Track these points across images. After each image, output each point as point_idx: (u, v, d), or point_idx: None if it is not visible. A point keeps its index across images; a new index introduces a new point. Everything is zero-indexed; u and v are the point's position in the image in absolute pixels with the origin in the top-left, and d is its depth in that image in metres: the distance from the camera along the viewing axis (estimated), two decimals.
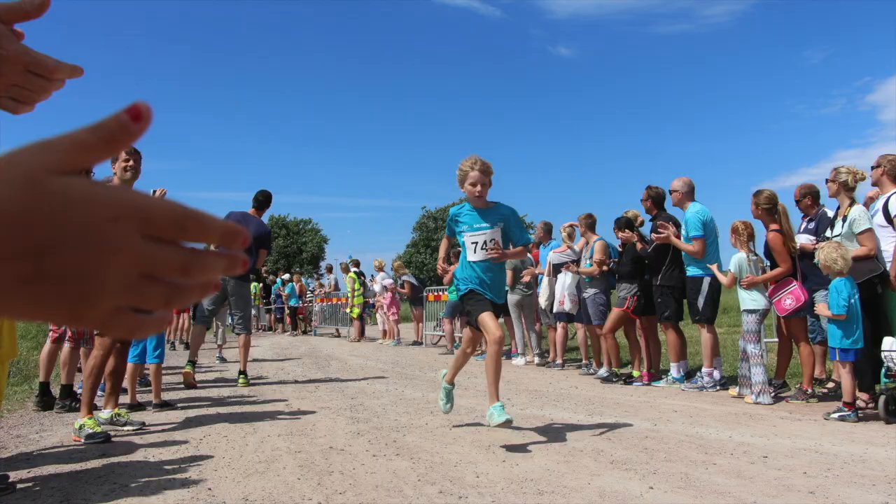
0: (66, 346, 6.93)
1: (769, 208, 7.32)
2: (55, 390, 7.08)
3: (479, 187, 5.37)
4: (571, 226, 10.94)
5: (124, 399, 6.81)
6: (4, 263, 0.46)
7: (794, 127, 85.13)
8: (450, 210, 5.87)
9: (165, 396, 7.32)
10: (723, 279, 7.52)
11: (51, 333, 6.98)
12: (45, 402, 6.90)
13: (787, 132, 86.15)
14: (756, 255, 7.51)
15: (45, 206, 0.46)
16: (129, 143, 0.50)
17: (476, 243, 5.41)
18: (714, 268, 7.68)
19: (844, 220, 6.66)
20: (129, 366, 6.82)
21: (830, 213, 7.30)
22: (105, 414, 5.76)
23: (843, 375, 5.95)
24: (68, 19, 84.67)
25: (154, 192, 6.80)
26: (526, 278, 11.41)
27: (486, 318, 5.23)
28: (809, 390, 6.92)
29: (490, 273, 5.44)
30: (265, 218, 9.65)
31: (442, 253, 6.20)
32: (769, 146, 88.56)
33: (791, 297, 6.97)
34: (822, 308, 6.18)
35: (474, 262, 5.43)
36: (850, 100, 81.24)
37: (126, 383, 6.94)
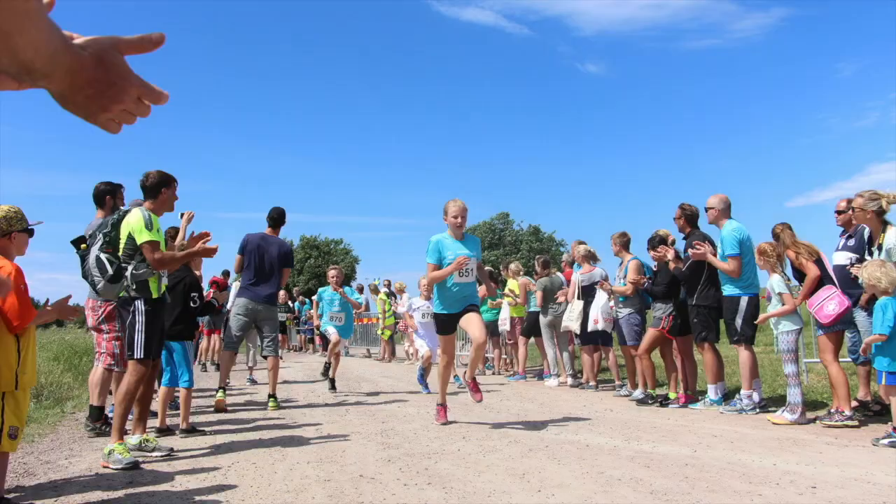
0: (100, 366, 6.91)
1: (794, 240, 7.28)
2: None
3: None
4: (587, 249, 10.89)
5: (153, 423, 6.76)
6: (83, 90, 1.00)
7: (826, 141, 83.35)
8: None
9: (195, 419, 7.27)
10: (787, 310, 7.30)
11: (104, 357, 6.93)
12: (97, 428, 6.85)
13: (820, 146, 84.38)
14: (786, 275, 7.34)
15: (108, 63, 1.01)
16: (145, 52, 1.06)
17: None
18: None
19: (880, 248, 6.43)
20: (163, 389, 6.80)
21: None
22: (133, 440, 5.69)
23: (892, 400, 5.72)
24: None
25: (182, 214, 6.77)
26: (560, 299, 11.25)
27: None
28: (847, 412, 6.62)
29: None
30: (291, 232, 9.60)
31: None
32: (802, 161, 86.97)
33: (834, 301, 6.68)
34: (867, 342, 5.96)
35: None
36: (885, 112, 79.34)
37: (157, 407, 6.90)
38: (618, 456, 5.34)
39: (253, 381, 12.59)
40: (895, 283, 5.82)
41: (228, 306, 13.41)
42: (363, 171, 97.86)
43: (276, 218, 9.36)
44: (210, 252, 5.93)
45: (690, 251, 8.05)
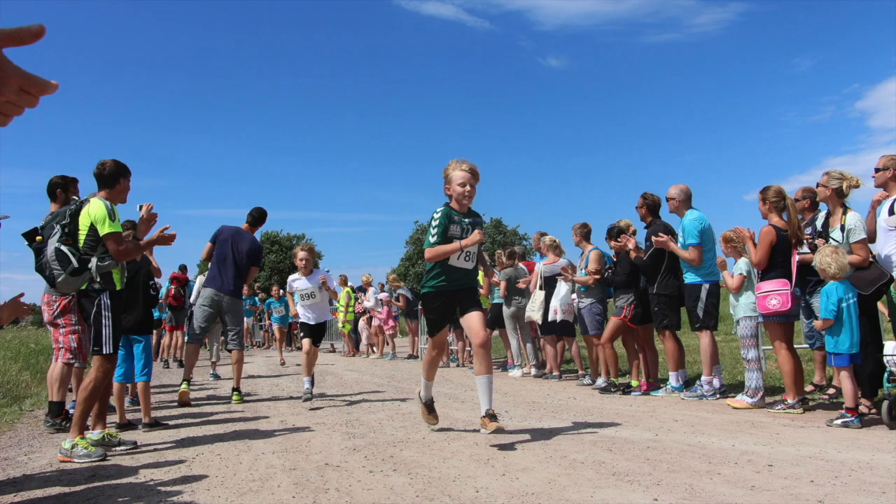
0: (58, 362, 6.80)
1: (776, 202, 7.14)
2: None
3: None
4: (553, 240, 10.97)
5: (112, 419, 6.67)
6: None
7: (784, 135, 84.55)
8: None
9: (158, 415, 7.20)
10: (730, 282, 7.38)
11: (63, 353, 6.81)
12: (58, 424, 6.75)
13: (778, 140, 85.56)
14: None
15: None
16: (23, 44, 1.01)
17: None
18: (726, 274, 7.56)
19: (842, 228, 6.55)
20: (116, 385, 6.68)
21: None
22: (95, 435, 5.62)
23: (843, 381, 5.87)
24: (56, 42, 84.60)
25: (140, 207, 6.65)
26: (521, 285, 11.33)
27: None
28: (789, 400, 6.74)
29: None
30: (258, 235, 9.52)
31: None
32: (760, 154, 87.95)
33: (778, 299, 6.76)
34: (818, 324, 6.11)
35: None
36: (840, 107, 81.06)
37: (114, 403, 6.81)
38: (581, 441, 5.40)
39: (216, 377, 12.49)
40: (844, 270, 5.97)
41: (192, 300, 13.32)
42: (325, 166, 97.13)
43: (257, 217, 9.31)
44: (168, 239, 5.85)
45: (653, 239, 8.15)
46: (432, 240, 5.55)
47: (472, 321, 5.56)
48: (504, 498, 3.77)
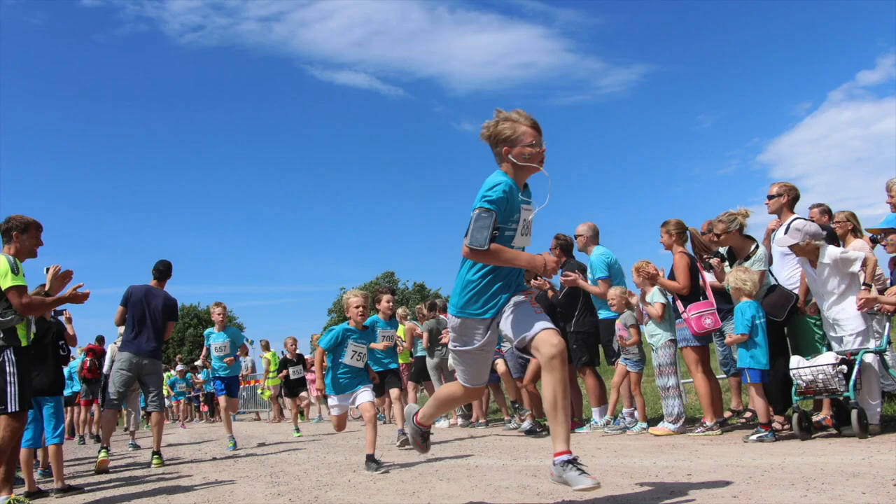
0: None
1: (680, 233, 7.41)
2: None
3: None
4: None
5: (20, 491, 6.33)
6: None
7: (694, 189, 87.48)
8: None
9: (73, 483, 6.89)
10: (652, 311, 7.48)
11: None
12: None
13: (689, 195, 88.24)
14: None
15: None
16: None
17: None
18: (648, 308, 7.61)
19: (747, 258, 6.81)
20: (23, 452, 6.27)
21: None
22: (0, 500, 5.35)
23: (755, 397, 6.08)
24: None
25: (47, 269, 6.42)
26: (444, 339, 11.34)
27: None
28: (708, 423, 6.94)
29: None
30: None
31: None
32: (673, 209, 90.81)
33: (711, 318, 6.93)
34: (731, 338, 6.35)
35: None
36: (743, 160, 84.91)
37: (21, 473, 6.45)
38: (506, 471, 5.43)
39: (136, 447, 12.02)
40: (757, 287, 6.26)
41: (105, 370, 12.88)
42: (243, 238, 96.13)
43: (163, 270, 9.03)
44: (81, 298, 5.72)
45: (561, 279, 8.34)
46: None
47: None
48: None
